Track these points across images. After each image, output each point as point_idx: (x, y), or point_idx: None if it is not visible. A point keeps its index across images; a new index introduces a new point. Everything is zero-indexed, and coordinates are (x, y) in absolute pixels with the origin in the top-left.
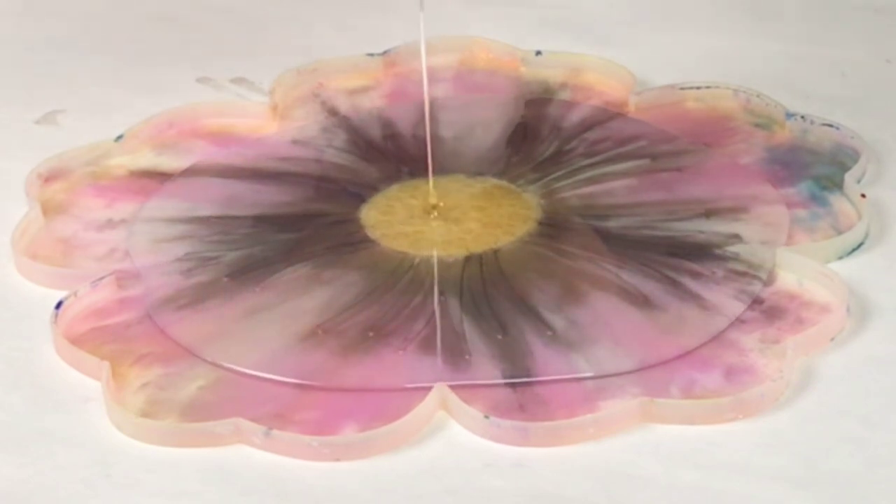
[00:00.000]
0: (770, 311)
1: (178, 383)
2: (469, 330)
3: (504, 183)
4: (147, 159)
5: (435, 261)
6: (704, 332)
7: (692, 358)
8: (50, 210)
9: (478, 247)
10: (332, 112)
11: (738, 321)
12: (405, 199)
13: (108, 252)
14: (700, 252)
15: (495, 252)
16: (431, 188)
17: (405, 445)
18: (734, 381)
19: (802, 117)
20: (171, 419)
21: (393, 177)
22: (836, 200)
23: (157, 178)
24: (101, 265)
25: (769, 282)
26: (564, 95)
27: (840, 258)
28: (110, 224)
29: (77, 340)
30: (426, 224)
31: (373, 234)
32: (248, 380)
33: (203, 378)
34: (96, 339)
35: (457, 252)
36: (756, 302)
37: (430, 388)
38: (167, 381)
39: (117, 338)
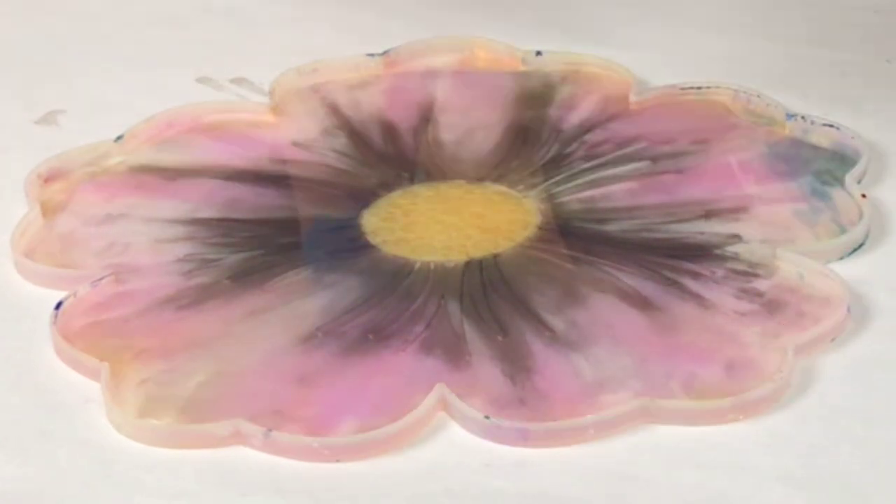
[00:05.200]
0: (770, 304)
1: (178, 380)
2: (469, 332)
3: (504, 188)
4: (146, 155)
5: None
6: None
7: (692, 352)
8: (49, 210)
9: (478, 252)
10: (333, 114)
11: (738, 315)
12: (407, 204)
13: (107, 246)
14: (700, 253)
15: (495, 257)
16: None
17: (405, 446)
18: (734, 375)
19: (803, 117)
20: (171, 417)
21: (394, 182)
22: (837, 195)
23: (156, 173)
24: (100, 260)
25: (768, 276)
26: (564, 96)
27: (841, 258)
28: (109, 218)
29: (76, 336)
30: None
31: (373, 239)
32: (247, 377)
33: (202, 374)
34: (95, 334)
35: (457, 257)
36: (756, 295)
37: (430, 389)
38: (166, 377)
39: (116, 333)
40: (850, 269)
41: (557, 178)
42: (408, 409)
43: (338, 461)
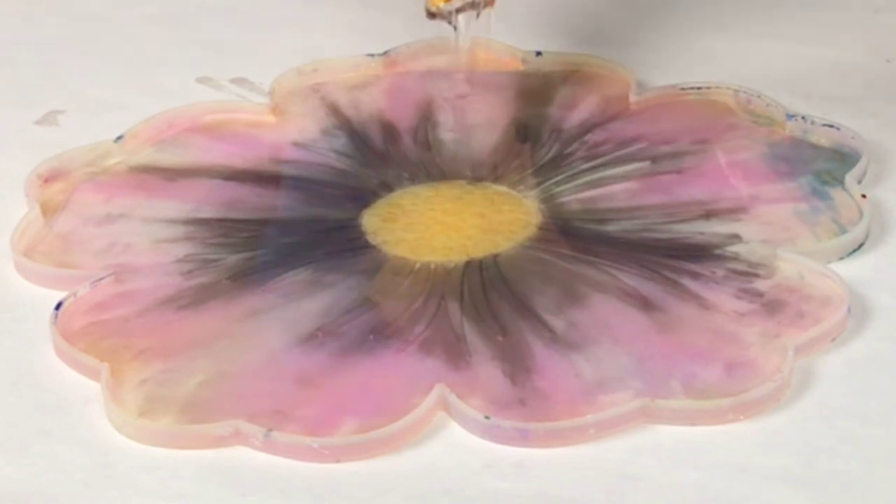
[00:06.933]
0: (770, 304)
1: (178, 379)
2: (469, 332)
3: (504, 188)
4: (146, 155)
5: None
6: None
7: (692, 352)
8: (49, 210)
9: (478, 252)
10: (333, 114)
11: (738, 315)
12: (407, 204)
13: (107, 246)
14: (700, 253)
15: (495, 257)
16: None
17: (405, 446)
18: (734, 375)
19: (803, 118)
20: (170, 417)
21: (394, 182)
22: (837, 195)
23: (156, 173)
24: (100, 260)
25: (768, 276)
26: (565, 96)
27: (841, 258)
28: (109, 219)
29: (76, 336)
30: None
31: (374, 240)
32: (247, 377)
33: (202, 374)
34: (95, 334)
35: (457, 257)
36: (756, 295)
37: (430, 389)
38: (166, 377)
39: (116, 332)
40: (850, 269)
41: (558, 178)
42: (408, 409)
43: (338, 461)
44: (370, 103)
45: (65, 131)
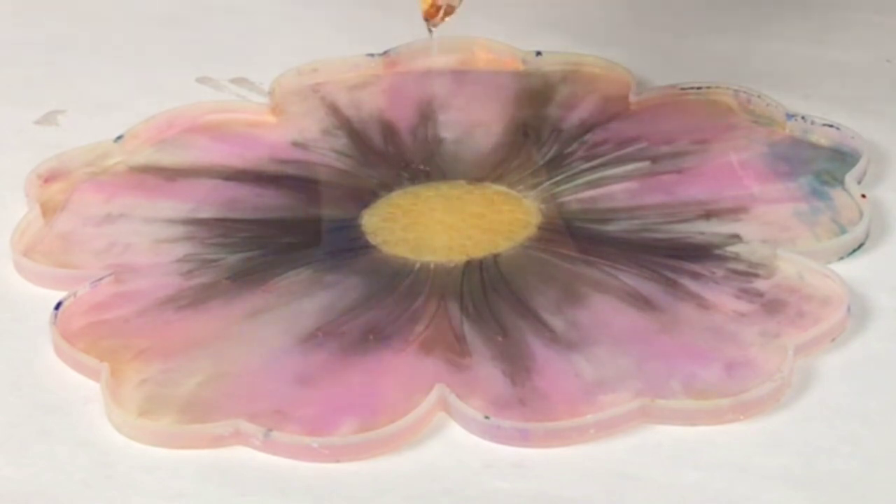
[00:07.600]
0: (770, 304)
1: (178, 379)
2: (469, 332)
3: (504, 189)
4: (146, 155)
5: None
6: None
7: (692, 352)
8: (49, 210)
9: (478, 252)
10: (333, 114)
11: (738, 315)
12: (407, 204)
13: (107, 246)
14: (700, 253)
15: (495, 257)
16: None
17: (405, 446)
18: (734, 375)
19: (803, 118)
20: (170, 417)
21: (394, 182)
22: (837, 195)
23: (156, 173)
24: (100, 260)
25: (768, 276)
26: (564, 96)
27: (841, 258)
28: (109, 218)
29: (76, 336)
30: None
31: (374, 240)
32: (247, 377)
33: (202, 374)
34: (95, 334)
35: (457, 257)
36: (756, 295)
37: (430, 389)
38: (166, 377)
39: (116, 332)
40: (850, 269)
41: (557, 178)
42: (408, 409)
43: (338, 461)
44: (370, 103)
45: (65, 131)
